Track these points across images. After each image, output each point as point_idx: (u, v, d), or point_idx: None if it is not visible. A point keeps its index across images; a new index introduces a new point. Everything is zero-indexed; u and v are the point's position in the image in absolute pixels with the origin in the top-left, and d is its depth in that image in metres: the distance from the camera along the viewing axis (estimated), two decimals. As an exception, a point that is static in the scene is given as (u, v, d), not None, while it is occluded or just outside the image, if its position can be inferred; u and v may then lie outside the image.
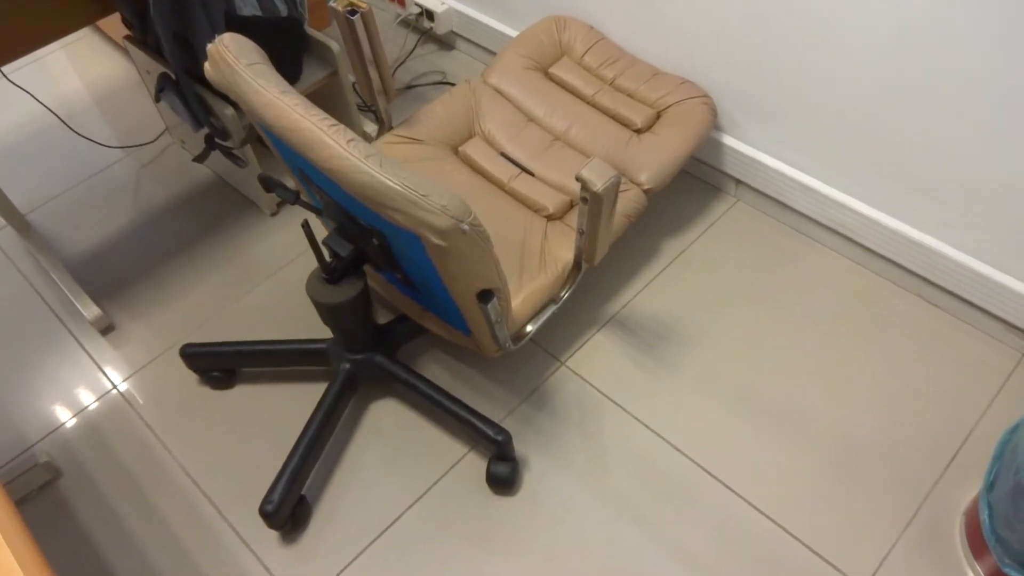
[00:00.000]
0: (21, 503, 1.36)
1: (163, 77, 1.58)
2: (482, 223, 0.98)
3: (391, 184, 0.92)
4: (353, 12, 1.29)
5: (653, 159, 1.49)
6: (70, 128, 1.95)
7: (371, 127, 1.86)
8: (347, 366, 1.36)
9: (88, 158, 1.90)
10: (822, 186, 1.52)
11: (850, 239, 1.55)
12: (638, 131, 1.56)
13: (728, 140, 1.63)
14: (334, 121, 0.97)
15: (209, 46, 1.07)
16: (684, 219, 1.68)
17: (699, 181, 1.75)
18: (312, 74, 1.69)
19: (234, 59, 1.03)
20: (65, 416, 1.47)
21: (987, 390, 1.37)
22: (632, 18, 1.62)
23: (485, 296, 1.10)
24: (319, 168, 0.99)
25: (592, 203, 1.12)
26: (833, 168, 1.49)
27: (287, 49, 1.63)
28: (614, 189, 1.10)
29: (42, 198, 1.83)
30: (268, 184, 1.25)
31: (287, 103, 0.98)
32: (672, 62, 1.62)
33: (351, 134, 0.96)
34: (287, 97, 0.99)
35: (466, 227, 0.93)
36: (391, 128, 1.57)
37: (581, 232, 1.24)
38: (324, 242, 1.22)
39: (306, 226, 1.17)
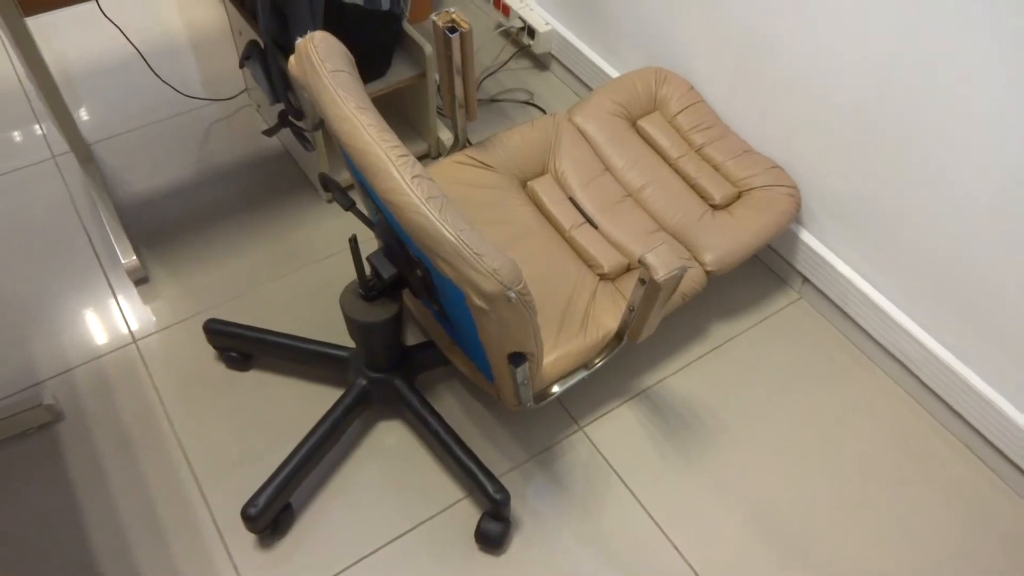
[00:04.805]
0: (15, 439, 1.35)
1: (252, 44, 1.55)
2: (530, 290, 0.93)
3: (445, 233, 0.87)
4: (453, 30, 1.24)
5: (723, 241, 1.42)
6: (151, 70, 1.94)
7: (448, 135, 1.82)
8: (363, 382, 1.32)
9: (163, 101, 1.89)
10: (893, 309, 1.44)
11: (909, 370, 1.46)
12: (715, 207, 1.49)
13: (804, 235, 1.54)
14: (404, 151, 0.93)
15: (298, 40, 1.03)
16: (739, 304, 1.61)
17: (764, 267, 1.67)
18: (400, 71, 1.65)
19: (319, 61, 0.99)
20: (79, 359, 1.45)
21: None
22: (736, 89, 1.55)
23: (516, 359, 1.04)
24: (379, 196, 0.94)
25: (649, 289, 1.06)
26: (910, 296, 1.40)
27: (381, 42, 1.59)
28: (675, 281, 1.04)
29: (108, 132, 1.83)
30: (327, 184, 1.21)
31: (361, 122, 0.94)
32: (766, 143, 1.54)
33: (418, 169, 0.91)
34: (363, 115, 0.94)
35: (512, 295, 0.88)
36: (465, 146, 1.52)
37: (631, 309, 1.17)
38: (368, 258, 1.18)
39: (353, 242, 1.13)
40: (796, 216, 1.49)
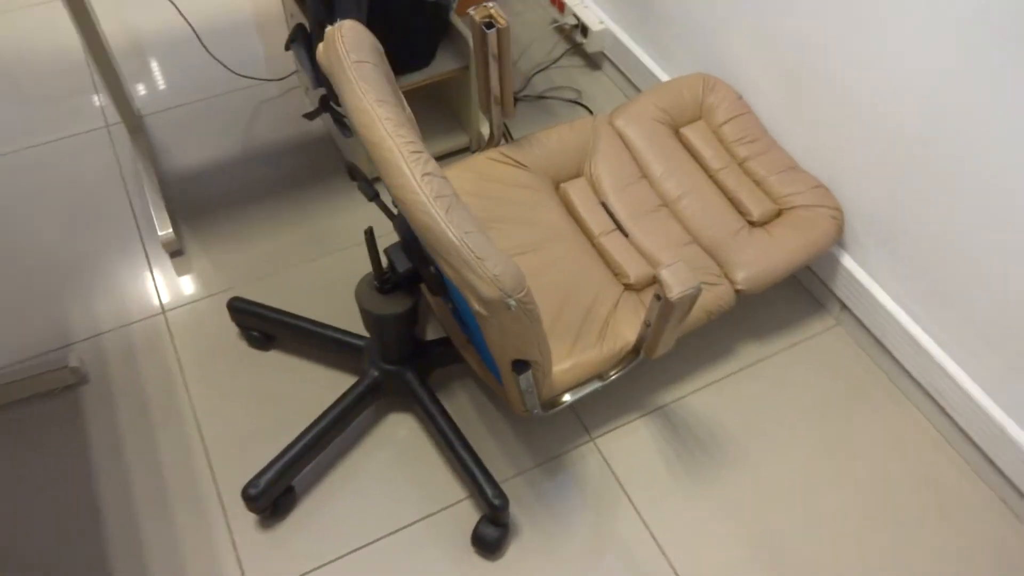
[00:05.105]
0: (41, 396, 1.39)
1: (298, 27, 1.56)
2: (535, 297, 0.91)
3: (449, 235, 0.85)
4: (490, 25, 1.22)
5: (757, 260, 1.37)
6: (204, 47, 1.98)
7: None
8: (376, 373, 1.31)
9: (213, 79, 1.93)
10: (933, 346, 1.36)
11: (944, 411, 1.38)
12: (752, 223, 1.44)
13: (846, 260, 1.48)
14: (419, 147, 0.92)
15: (328, 28, 1.03)
16: (772, 325, 1.55)
17: (802, 289, 1.61)
18: (444, 63, 1.64)
19: (344, 51, 0.98)
20: (109, 324, 1.49)
21: (1043, 635, 1.20)
22: (787, 101, 1.49)
23: (519, 366, 1.02)
24: (390, 192, 0.93)
25: (664, 306, 1.03)
26: (952, 333, 1.32)
27: (426, 32, 1.58)
28: (689, 301, 1.00)
29: (159, 106, 1.87)
30: (353, 173, 1.20)
31: (378, 115, 0.93)
32: (813, 160, 1.48)
33: (431, 167, 0.90)
34: (381, 108, 0.93)
35: (512, 304, 0.86)
36: (500, 143, 1.50)
37: (648, 324, 1.14)
38: (386, 251, 1.17)
39: (369, 233, 1.12)
40: (837, 240, 1.42)
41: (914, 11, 1.17)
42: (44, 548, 1.24)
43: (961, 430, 1.36)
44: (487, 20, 1.23)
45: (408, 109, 1.22)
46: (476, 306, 0.87)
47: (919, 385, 1.42)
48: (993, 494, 1.34)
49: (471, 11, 1.22)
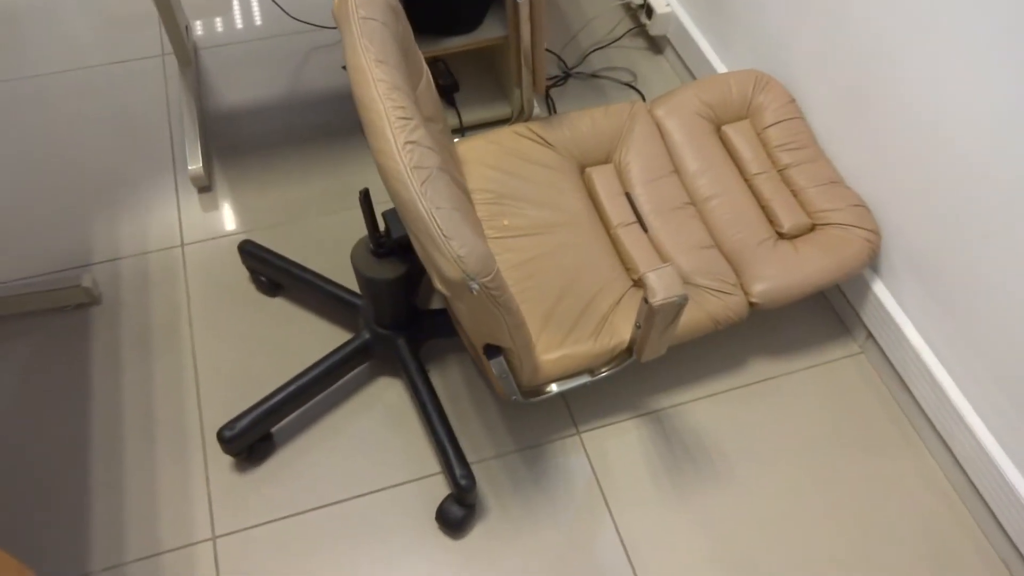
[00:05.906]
0: (54, 311, 1.44)
1: (346, -22, 1.54)
2: (508, 285, 0.87)
3: (419, 207, 0.83)
4: (523, -5, 1.18)
5: (777, 275, 1.30)
6: (263, -13, 1.99)
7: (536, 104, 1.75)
8: (368, 335, 1.31)
9: (268, 20, 1.93)
10: (955, 391, 1.27)
11: (957, 461, 1.29)
12: (781, 235, 1.36)
13: (878, 288, 1.39)
14: (409, 114, 0.89)
15: (345, -20, 1.00)
16: (791, 343, 1.47)
17: (829, 309, 1.52)
18: (491, 29, 1.60)
19: (354, 6, 0.96)
20: (128, 250, 1.53)
21: None
22: (842, 112, 1.39)
23: (490, 351, 0.99)
24: (373, 155, 0.91)
25: (648, 310, 0.98)
26: (977, 382, 1.23)
27: (475, -4, 1.54)
28: (673, 309, 0.95)
29: (211, 42, 1.88)
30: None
31: (373, 75, 0.90)
32: (859, 177, 1.39)
33: (417, 135, 0.87)
34: (377, 69, 0.91)
35: (475, 287, 0.83)
36: (529, 118, 1.46)
37: (638, 326, 1.09)
38: (384, 214, 1.15)
39: (365, 195, 1.10)
40: (867, 265, 1.33)
41: (988, 30, 1.06)
42: (32, 451, 1.28)
43: (971, 483, 1.27)
44: (521, -11, 1.19)
45: (428, 74, 1.20)
46: (439, 285, 0.85)
47: (935, 430, 1.33)
48: (995, 555, 1.25)
49: (505, -22, 1.18)
